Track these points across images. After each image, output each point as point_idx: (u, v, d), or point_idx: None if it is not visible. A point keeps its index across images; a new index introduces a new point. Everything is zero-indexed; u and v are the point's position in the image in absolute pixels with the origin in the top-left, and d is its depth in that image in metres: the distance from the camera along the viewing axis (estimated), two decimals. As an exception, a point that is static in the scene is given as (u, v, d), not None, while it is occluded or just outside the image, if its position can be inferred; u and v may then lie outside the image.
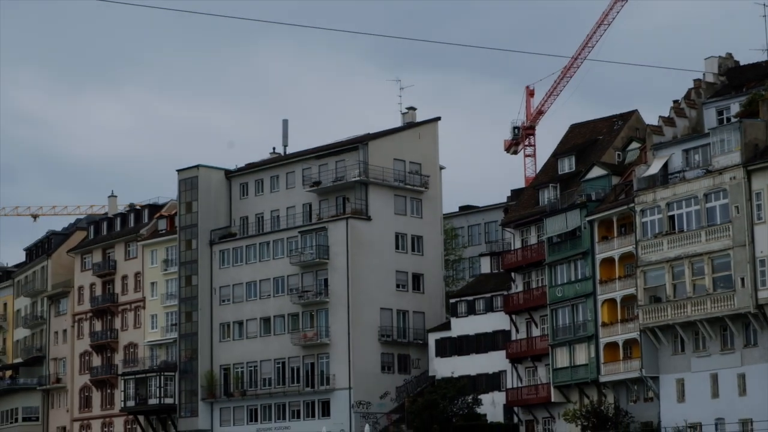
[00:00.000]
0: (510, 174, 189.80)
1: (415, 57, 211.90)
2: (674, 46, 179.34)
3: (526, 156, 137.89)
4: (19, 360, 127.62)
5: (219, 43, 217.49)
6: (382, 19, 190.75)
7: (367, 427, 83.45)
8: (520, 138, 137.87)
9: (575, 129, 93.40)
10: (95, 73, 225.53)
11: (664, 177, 74.83)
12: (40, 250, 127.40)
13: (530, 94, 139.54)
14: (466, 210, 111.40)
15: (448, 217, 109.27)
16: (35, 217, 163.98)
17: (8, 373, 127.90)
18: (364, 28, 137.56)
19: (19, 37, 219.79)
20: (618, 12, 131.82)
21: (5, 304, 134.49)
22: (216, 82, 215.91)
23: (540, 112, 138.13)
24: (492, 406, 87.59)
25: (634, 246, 75.54)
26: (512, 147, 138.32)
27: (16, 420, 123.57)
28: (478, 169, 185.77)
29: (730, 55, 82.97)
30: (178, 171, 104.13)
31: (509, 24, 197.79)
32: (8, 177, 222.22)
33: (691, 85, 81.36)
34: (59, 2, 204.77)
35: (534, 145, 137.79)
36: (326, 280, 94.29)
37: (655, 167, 75.31)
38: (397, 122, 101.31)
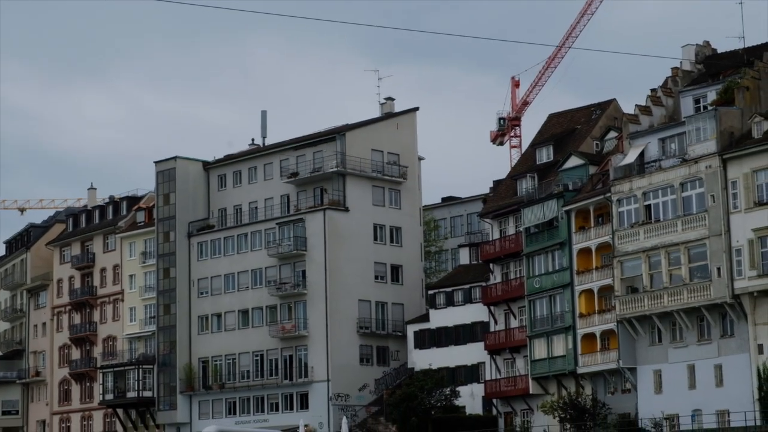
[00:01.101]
0: (496, 165, 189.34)
1: (402, 49, 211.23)
2: (659, 35, 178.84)
3: (512, 147, 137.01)
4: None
5: (208, 36, 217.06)
6: (369, 11, 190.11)
7: (344, 420, 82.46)
8: (506, 129, 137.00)
9: (553, 118, 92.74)
10: (84, 66, 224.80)
11: (641, 166, 74.19)
12: (20, 242, 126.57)
13: (516, 85, 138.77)
14: (448, 201, 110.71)
15: (430, 208, 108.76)
16: (22, 210, 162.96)
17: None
18: (351, 20, 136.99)
19: (8, 30, 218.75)
20: (601, 1, 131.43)
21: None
22: (204, 75, 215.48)
23: (525, 103, 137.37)
24: (471, 398, 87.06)
25: (611, 236, 74.92)
26: (498, 138, 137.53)
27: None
28: (464, 161, 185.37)
29: (707, 43, 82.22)
30: (156, 163, 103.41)
31: (494, 17, 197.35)
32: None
33: (670, 74, 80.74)
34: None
35: (520, 136, 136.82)
36: (304, 272, 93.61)
37: (631, 156, 74.66)
38: (378, 113, 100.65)
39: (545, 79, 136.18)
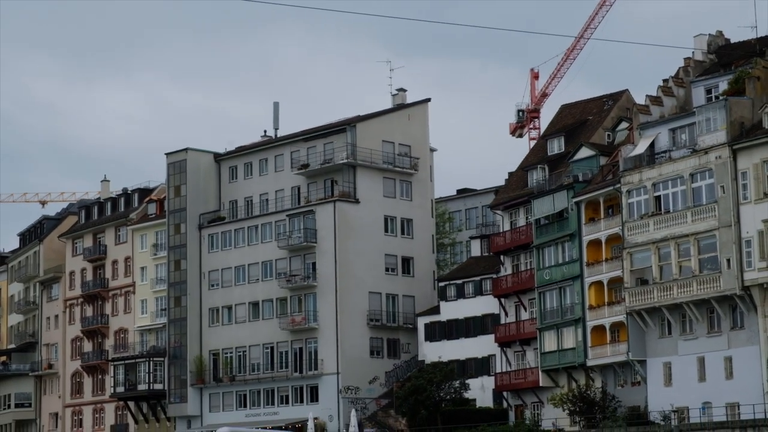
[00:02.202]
0: (515, 158, 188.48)
1: (423, 42, 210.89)
2: (677, 25, 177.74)
3: (531, 139, 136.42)
4: (12, 346, 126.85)
5: (228, 29, 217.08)
6: (390, 5, 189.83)
7: (353, 413, 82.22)
8: (525, 121, 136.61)
9: (565, 109, 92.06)
10: (107, 60, 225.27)
11: (651, 157, 73.44)
12: (33, 235, 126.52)
13: (535, 76, 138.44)
14: (463, 193, 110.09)
15: (445, 200, 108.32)
16: (44, 203, 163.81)
17: (4, 358, 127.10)
18: (372, 12, 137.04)
19: (32, 24, 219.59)
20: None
21: (0, 290, 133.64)
22: (225, 68, 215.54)
23: (544, 95, 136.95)
24: (481, 390, 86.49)
25: (621, 227, 74.21)
26: (517, 130, 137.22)
27: (9, 406, 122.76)
28: (484, 153, 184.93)
29: (720, 33, 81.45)
30: (167, 154, 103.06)
31: (514, 10, 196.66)
32: (21, 164, 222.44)
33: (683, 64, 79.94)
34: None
35: (539, 128, 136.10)
36: (314, 264, 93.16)
37: (641, 147, 73.92)
38: (390, 104, 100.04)
39: (564, 71, 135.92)
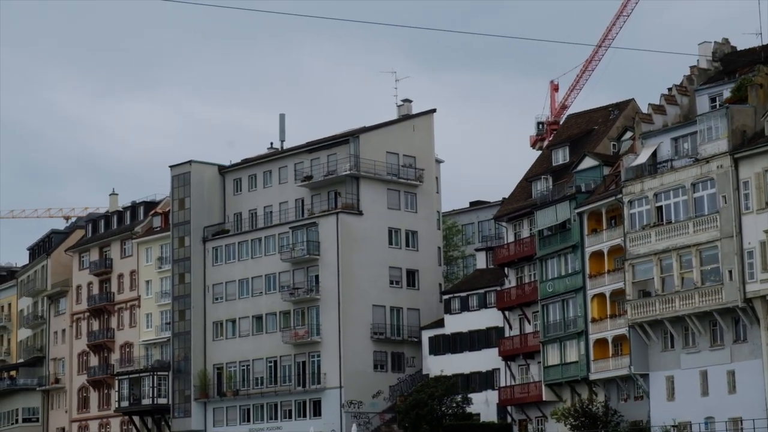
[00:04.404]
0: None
1: (444, 55, 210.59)
2: (694, 33, 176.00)
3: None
4: (21, 360, 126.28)
5: (254, 41, 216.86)
6: (413, 16, 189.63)
7: (354, 427, 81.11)
8: (545, 134, 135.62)
9: (571, 119, 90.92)
10: (133, 73, 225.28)
11: (653, 167, 72.01)
12: (41, 249, 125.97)
13: (554, 88, 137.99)
14: (476, 205, 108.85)
15: (457, 212, 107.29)
16: (68, 219, 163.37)
17: (12, 373, 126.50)
18: (396, 24, 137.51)
19: (56, 38, 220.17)
20: (636, 2, 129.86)
21: (9, 304, 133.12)
22: (250, 81, 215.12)
23: (564, 107, 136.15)
24: (485, 405, 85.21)
25: (623, 238, 72.80)
26: (538, 143, 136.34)
27: (17, 421, 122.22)
28: (504, 166, 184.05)
29: (726, 41, 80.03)
30: (171, 167, 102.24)
31: (534, 22, 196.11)
32: (47, 179, 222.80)
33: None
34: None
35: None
36: (317, 277, 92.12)
37: (642, 157, 72.50)
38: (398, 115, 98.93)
39: (583, 83, 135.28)
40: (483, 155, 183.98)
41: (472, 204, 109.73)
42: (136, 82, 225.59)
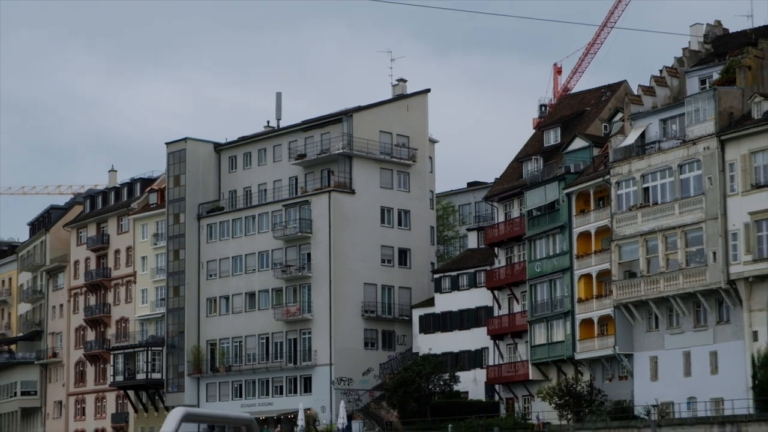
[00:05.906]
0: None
1: (454, 38, 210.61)
2: (695, 15, 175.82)
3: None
4: (21, 334, 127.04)
5: (267, 23, 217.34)
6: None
7: (342, 404, 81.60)
8: (547, 116, 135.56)
9: (564, 100, 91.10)
10: (149, 54, 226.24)
11: (641, 148, 72.20)
12: (41, 224, 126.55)
13: (558, 71, 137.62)
14: (474, 186, 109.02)
15: (455, 193, 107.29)
16: (76, 196, 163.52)
17: (12, 347, 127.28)
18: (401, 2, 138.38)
19: (72, 19, 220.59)
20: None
21: (10, 279, 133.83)
22: (263, 62, 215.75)
23: (566, 90, 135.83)
24: (474, 383, 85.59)
25: (610, 219, 73.05)
26: (540, 125, 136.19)
27: (15, 394, 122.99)
28: (508, 149, 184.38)
29: (718, 23, 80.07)
30: (167, 144, 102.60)
31: (539, 8, 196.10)
32: (63, 157, 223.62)
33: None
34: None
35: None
36: (309, 255, 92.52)
37: (631, 138, 72.68)
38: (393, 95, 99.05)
39: (585, 66, 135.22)
40: (488, 137, 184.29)
41: (469, 185, 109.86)
42: (153, 63, 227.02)
